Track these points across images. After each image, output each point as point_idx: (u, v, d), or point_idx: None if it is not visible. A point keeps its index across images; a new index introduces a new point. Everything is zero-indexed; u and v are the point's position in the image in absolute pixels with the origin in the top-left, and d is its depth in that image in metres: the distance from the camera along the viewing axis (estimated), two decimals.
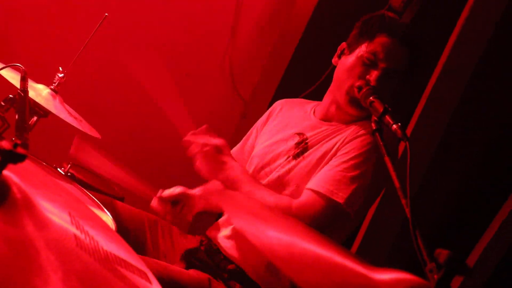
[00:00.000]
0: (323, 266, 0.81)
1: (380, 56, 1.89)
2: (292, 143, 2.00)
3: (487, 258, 2.47)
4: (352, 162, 1.84)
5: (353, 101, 1.91)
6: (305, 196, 1.84)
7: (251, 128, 2.26)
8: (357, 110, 1.93)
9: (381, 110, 1.66)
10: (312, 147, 1.95)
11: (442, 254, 0.86)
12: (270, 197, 1.83)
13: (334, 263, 0.82)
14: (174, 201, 1.97)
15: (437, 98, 2.66)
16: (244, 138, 2.27)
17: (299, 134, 2.02)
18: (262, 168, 2.02)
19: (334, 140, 1.93)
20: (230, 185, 1.84)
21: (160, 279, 1.65)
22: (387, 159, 1.51)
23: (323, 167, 1.89)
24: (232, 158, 1.91)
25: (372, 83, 1.86)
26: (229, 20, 3.49)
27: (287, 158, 1.97)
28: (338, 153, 1.88)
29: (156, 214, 2.01)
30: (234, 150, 2.28)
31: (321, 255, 0.83)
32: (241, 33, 3.54)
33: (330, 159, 1.89)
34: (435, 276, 0.94)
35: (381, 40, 1.90)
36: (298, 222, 1.03)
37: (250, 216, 0.90)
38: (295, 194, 1.89)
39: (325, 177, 1.84)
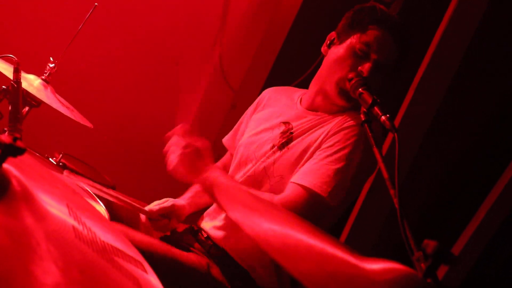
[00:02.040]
0: (316, 256, 0.83)
1: (372, 47, 1.90)
2: (277, 132, 2.00)
3: (471, 247, 2.52)
4: (336, 155, 1.84)
5: (343, 93, 1.92)
6: (289, 190, 1.84)
7: (241, 117, 2.27)
8: (345, 101, 1.93)
9: (370, 101, 1.67)
10: (296, 138, 1.95)
11: (430, 245, 0.89)
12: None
13: (326, 253, 0.85)
14: (161, 214, 1.97)
15: (424, 90, 2.68)
16: (235, 127, 2.27)
17: (284, 123, 2.02)
18: (248, 157, 2.02)
19: (318, 132, 1.92)
20: (209, 188, 1.75)
21: (164, 259, 1.69)
22: (375, 150, 1.54)
23: (307, 159, 1.88)
24: (212, 161, 1.81)
25: (365, 74, 1.86)
26: (219, 10, 3.49)
27: (272, 147, 1.97)
28: (323, 146, 1.87)
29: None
30: (225, 139, 2.30)
31: (314, 246, 0.85)
32: (231, 23, 3.54)
33: (314, 151, 1.88)
34: (422, 265, 0.97)
35: (373, 32, 1.91)
36: (291, 213, 1.05)
37: (245, 208, 0.93)
38: (279, 185, 1.89)
39: (309, 170, 1.84)
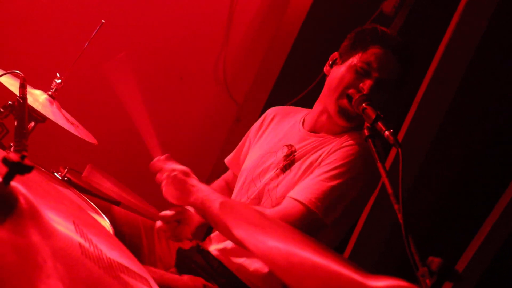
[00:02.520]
0: (321, 274, 0.84)
1: (373, 65, 1.90)
2: (281, 155, 2.00)
3: (476, 262, 2.51)
4: (333, 172, 1.83)
5: (343, 112, 1.92)
6: (284, 204, 1.84)
7: (245, 136, 2.27)
8: (345, 121, 1.93)
9: (373, 116, 1.67)
10: (299, 159, 1.95)
11: (435, 261, 0.89)
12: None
13: (331, 271, 0.85)
14: (176, 220, 1.94)
15: (427, 105, 2.68)
16: (238, 146, 2.28)
17: (288, 145, 2.02)
18: (253, 181, 2.02)
19: (320, 152, 1.93)
20: (201, 206, 1.78)
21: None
22: (379, 165, 1.54)
23: (307, 177, 1.88)
24: (198, 182, 1.85)
25: (365, 92, 1.87)
26: (223, 24, 3.51)
27: (276, 171, 1.97)
28: (322, 163, 1.88)
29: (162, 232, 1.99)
30: (228, 159, 2.30)
31: (319, 264, 0.85)
32: (235, 37, 3.56)
33: (314, 169, 1.88)
34: (427, 281, 0.97)
35: (374, 50, 1.92)
36: (295, 231, 1.05)
37: (249, 226, 0.93)
38: None
39: (305, 185, 1.84)
